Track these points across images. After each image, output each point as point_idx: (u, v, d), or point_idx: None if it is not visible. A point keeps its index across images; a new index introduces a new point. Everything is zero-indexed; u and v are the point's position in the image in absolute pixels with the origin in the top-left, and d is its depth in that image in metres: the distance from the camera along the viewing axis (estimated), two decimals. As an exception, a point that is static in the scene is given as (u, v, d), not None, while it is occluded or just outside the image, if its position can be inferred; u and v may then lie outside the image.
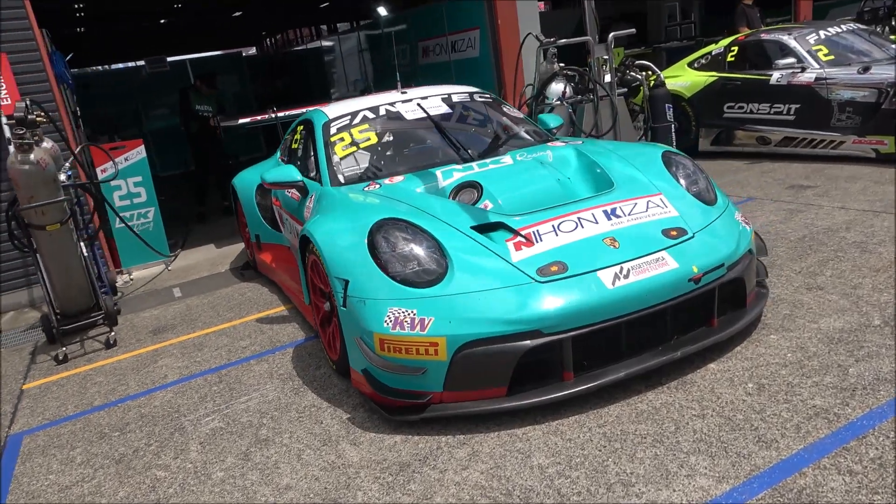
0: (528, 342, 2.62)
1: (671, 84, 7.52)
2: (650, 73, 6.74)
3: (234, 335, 4.31)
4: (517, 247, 2.90)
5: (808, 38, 6.57)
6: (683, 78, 7.47)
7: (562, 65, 6.62)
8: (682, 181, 3.42)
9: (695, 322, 2.95)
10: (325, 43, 17.58)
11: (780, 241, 4.32)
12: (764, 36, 6.99)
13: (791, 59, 6.44)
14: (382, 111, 4.34)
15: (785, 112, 6.52)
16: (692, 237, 2.99)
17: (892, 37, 8.32)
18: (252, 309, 4.79)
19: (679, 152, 3.76)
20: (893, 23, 8.46)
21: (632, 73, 6.57)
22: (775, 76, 6.56)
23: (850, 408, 2.46)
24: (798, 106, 6.39)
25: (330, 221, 3.36)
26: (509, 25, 7.90)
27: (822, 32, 6.65)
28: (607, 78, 5.98)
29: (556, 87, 6.45)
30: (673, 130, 6.58)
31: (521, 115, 4.72)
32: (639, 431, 2.53)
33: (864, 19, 8.38)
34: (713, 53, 7.39)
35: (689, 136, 7.38)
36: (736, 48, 7.16)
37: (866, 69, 5.91)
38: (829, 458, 2.21)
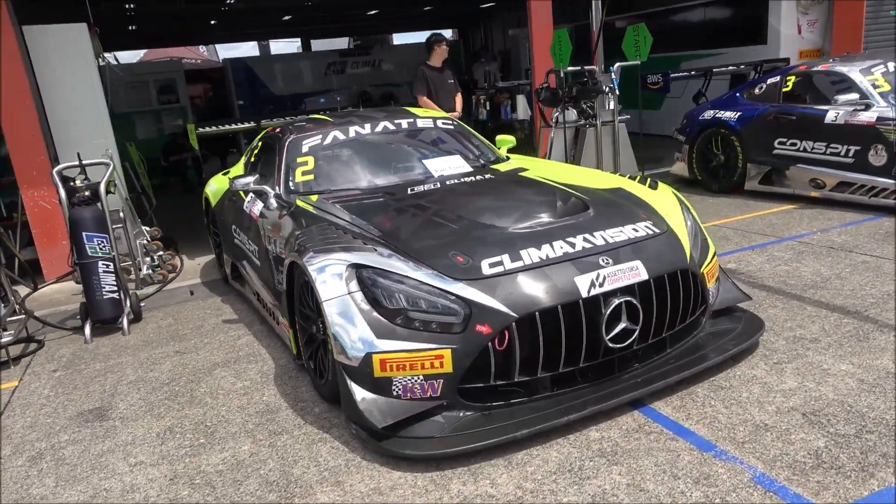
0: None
1: (212, 187, 5.43)
2: (77, 180, 4.61)
3: None
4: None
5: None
6: (227, 178, 5.31)
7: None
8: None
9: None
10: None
11: None
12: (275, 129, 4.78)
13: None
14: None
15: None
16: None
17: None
18: None
19: None
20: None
21: None
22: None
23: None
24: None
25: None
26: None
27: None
28: None
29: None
30: (116, 268, 4.47)
31: None
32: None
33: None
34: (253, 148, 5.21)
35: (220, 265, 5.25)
36: (261, 143, 4.98)
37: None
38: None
